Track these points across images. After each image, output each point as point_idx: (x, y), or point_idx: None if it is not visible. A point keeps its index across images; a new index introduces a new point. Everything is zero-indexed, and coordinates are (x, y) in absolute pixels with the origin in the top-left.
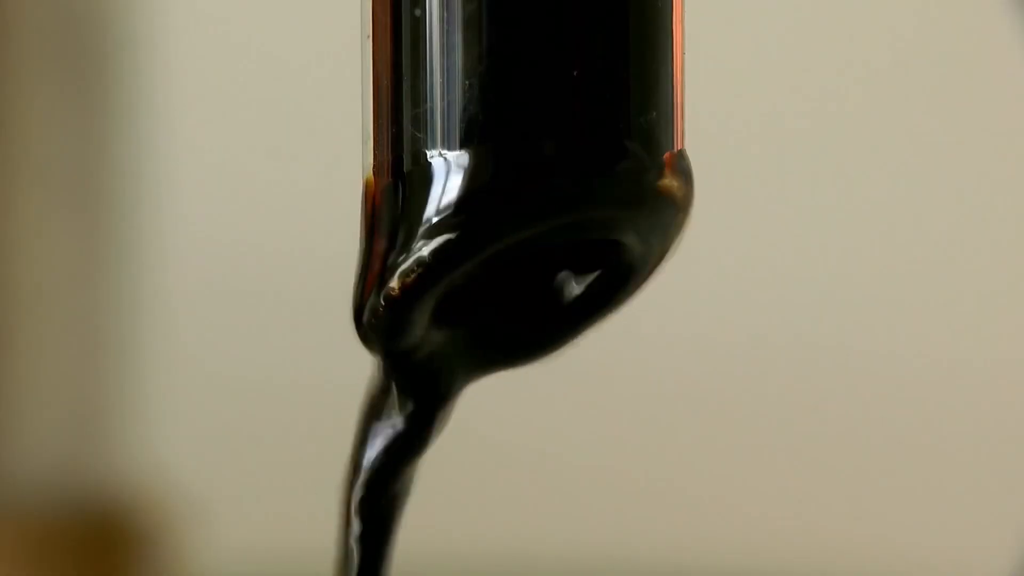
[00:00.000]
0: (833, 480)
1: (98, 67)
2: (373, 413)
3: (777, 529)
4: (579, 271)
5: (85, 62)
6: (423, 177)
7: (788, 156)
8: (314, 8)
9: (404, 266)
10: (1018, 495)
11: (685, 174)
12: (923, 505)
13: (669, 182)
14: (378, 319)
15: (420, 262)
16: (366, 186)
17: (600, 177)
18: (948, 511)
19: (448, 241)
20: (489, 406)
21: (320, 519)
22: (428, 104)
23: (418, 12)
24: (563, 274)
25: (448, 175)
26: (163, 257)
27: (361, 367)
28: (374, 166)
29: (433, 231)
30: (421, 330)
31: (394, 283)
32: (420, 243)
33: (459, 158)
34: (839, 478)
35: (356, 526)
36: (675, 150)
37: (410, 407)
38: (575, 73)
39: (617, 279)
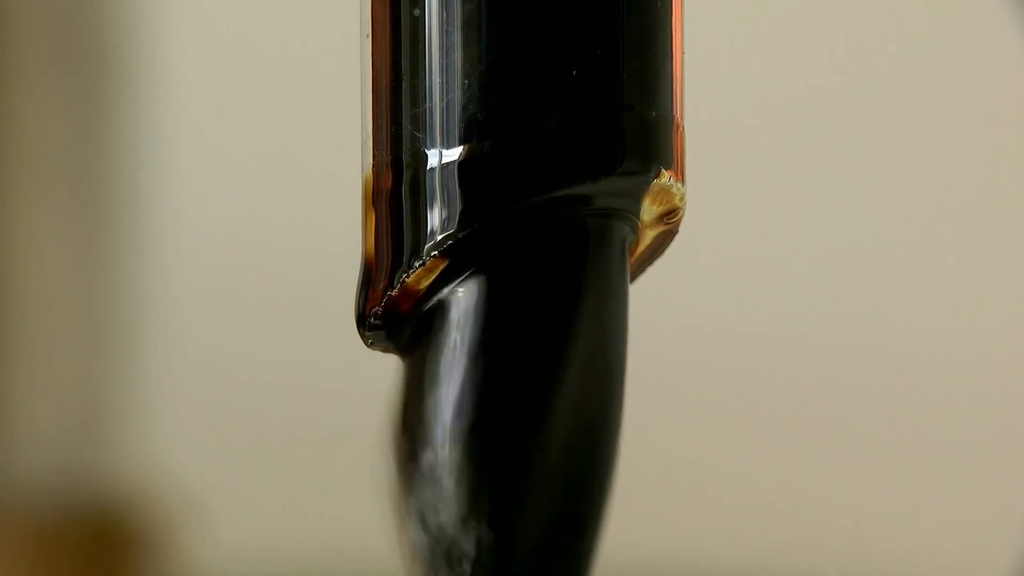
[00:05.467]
0: (832, 480)
1: (98, 67)
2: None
3: (775, 528)
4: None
5: (85, 62)
6: (424, 180)
7: (788, 157)
8: (314, 7)
9: (407, 273)
10: (1018, 495)
11: (683, 174)
12: (923, 505)
13: (668, 181)
14: (382, 325)
15: (423, 268)
16: (365, 186)
17: (601, 177)
18: (948, 511)
19: (450, 246)
20: None
21: (320, 519)
22: (427, 104)
23: (417, 12)
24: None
25: (449, 177)
26: (163, 257)
27: (362, 368)
28: (373, 166)
29: (435, 234)
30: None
31: (396, 290)
32: (423, 248)
33: (458, 158)
34: (838, 478)
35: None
36: (675, 149)
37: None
38: (574, 73)
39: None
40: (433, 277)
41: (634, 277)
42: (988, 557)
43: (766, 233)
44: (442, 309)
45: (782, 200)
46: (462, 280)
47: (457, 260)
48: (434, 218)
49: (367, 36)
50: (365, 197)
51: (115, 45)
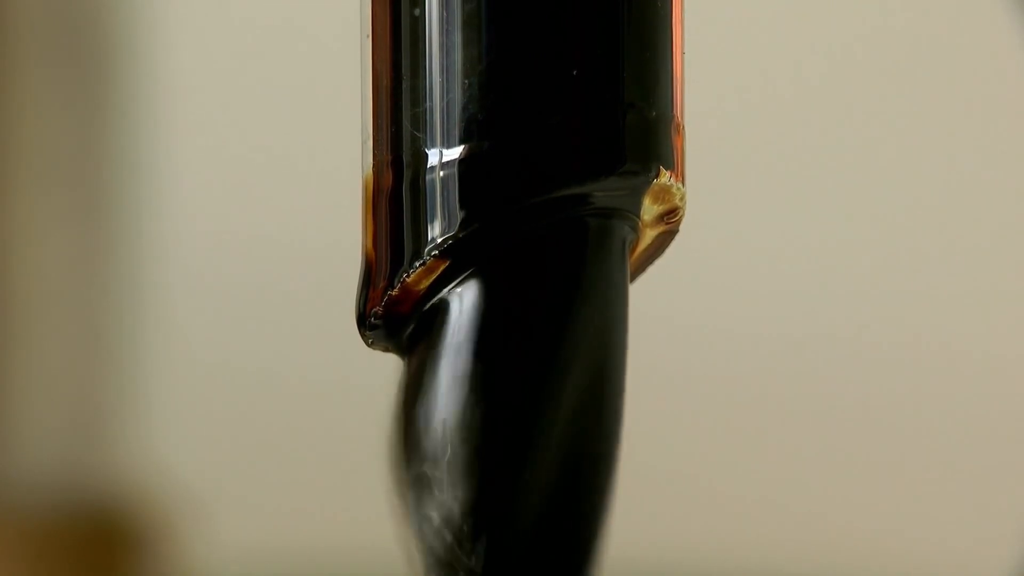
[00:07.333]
0: (832, 480)
1: (98, 67)
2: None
3: (775, 528)
4: None
5: (85, 62)
6: (424, 179)
7: (788, 156)
8: (314, 7)
9: (408, 273)
10: (1018, 495)
11: (683, 174)
12: (923, 505)
13: (668, 181)
14: (382, 324)
15: (424, 268)
16: (365, 186)
17: (601, 177)
18: (948, 511)
19: (450, 246)
20: None
21: (320, 519)
22: (427, 103)
23: (417, 11)
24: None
25: (449, 177)
26: (163, 256)
27: (362, 368)
28: (374, 165)
29: (435, 235)
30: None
31: (397, 290)
32: (424, 248)
33: (459, 158)
34: (838, 478)
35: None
36: (675, 149)
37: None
38: (574, 72)
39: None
40: (433, 277)
41: (634, 277)
42: (988, 557)
43: (767, 232)
44: (442, 309)
45: (782, 199)
46: (462, 280)
47: (457, 260)
48: (434, 218)
49: (367, 36)
50: (365, 197)
51: (115, 44)
